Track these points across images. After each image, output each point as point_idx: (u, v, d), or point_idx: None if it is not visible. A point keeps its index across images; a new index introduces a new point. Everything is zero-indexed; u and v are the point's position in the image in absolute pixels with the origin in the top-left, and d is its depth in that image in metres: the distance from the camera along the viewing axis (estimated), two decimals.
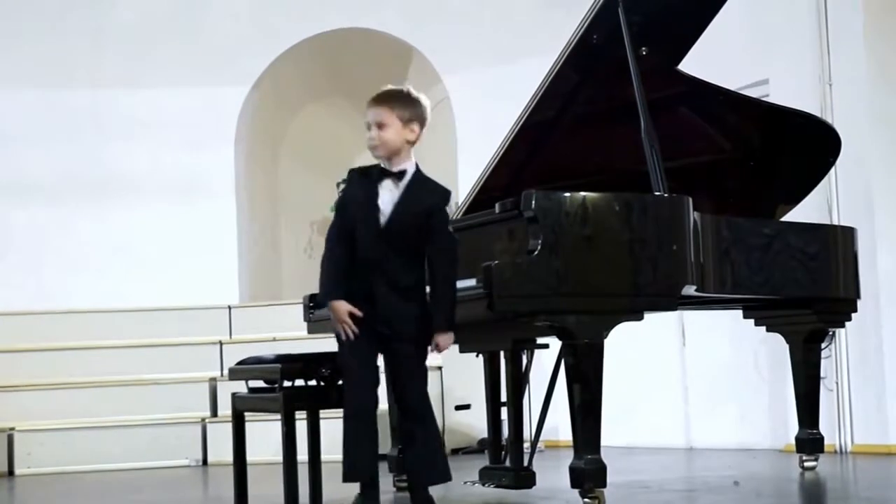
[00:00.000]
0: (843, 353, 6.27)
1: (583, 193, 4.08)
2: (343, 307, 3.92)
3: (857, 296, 5.34)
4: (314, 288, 4.36)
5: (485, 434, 5.13)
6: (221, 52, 8.71)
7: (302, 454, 4.19)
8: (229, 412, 4.58)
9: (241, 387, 4.57)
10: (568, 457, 4.12)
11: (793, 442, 5.53)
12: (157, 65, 8.68)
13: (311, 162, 9.58)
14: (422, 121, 4.02)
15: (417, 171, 4.03)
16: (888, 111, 6.30)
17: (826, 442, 5.49)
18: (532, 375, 4.78)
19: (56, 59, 8.59)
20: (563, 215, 4.02)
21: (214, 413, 7.57)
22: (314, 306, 5.13)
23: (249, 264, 8.98)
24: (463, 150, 8.44)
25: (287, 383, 4.25)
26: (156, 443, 7.30)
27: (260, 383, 4.43)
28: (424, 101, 4.06)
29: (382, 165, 4.03)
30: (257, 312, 8.25)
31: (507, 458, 4.78)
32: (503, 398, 4.81)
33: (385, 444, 4.77)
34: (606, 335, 4.08)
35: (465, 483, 4.84)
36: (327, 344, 4.29)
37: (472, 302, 3.99)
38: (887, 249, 6.19)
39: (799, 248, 4.93)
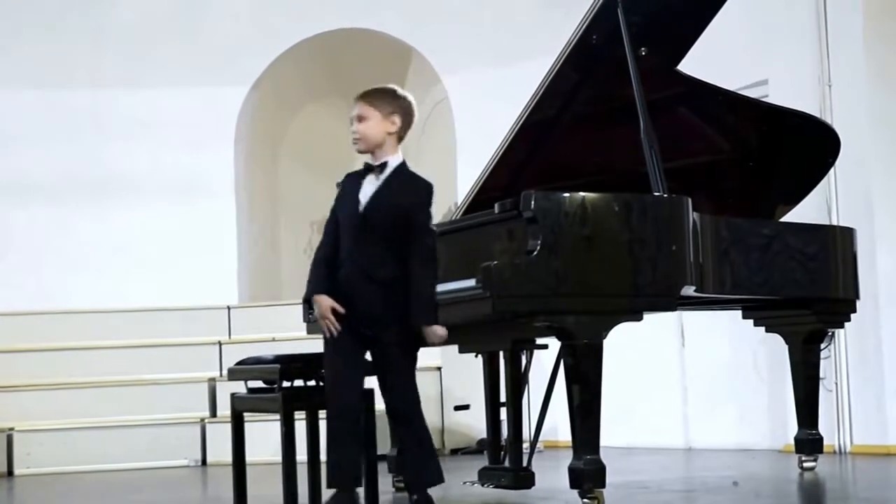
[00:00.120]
0: (843, 354, 6.28)
1: (582, 194, 4.08)
2: (326, 302, 3.96)
3: (857, 296, 5.34)
4: None
5: (484, 434, 5.13)
6: (221, 52, 8.72)
7: (301, 454, 4.18)
8: (228, 412, 4.58)
9: (240, 387, 4.56)
10: (567, 457, 4.13)
11: (792, 442, 5.53)
12: (157, 65, 8.69)
13: (310, 162, 9.58)
14: (404, 113, 4.05)
15: (402, 165, 4.05)
16: (887, 112, 6.30)
17: (825, 442, 5.49)
18: (531, 376, 4.78)
19: (56, 59, 8.60)
20: (563, 216, 4.02)
21: (214, 413, 7.57)
22: (311, 306, 5.11)
23: (249, 264, 8.99)
24: (462, 150, 8.44)
25: (286, 384, 4.25)
26: (155, 443, 7.31)
27: (259, 383, 4.43)
28: (407, 95, 4.10)
29: (368, 162, 4.07)
30: (257, 313, 8.26)
31: (506, 459, 4.77)
32: (502, 398, 4.81)
33: (384, 445, 4.77)
34: (605, 335, 4.08)
35: (465, 483, 4.84)
36: None
37: (472, 302, 3.99)
38: (886, 250, 6.19)
39: (798, 248, 4.93)
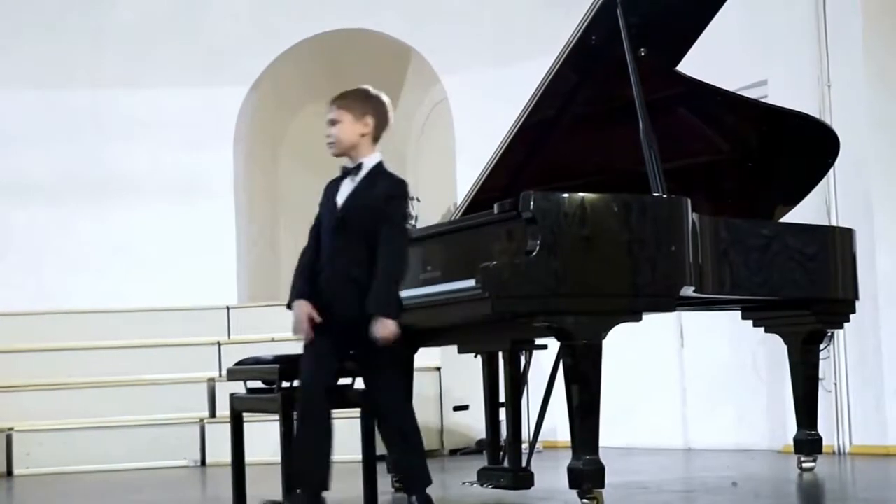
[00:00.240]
0: (842, 354, 6.28)
1: (581, 194, 4.08)
2: (303, 310, 3.99)
3: (856, 297, 5.34)
4: None
5: (483, 435, 5.13)
6: (221, 52, 8.72)
7: None
8: (228, 412, 4.59)
9: (239, 387, 4.57)
10: (566, 457, 4.13)
11: (791, 443, 5.54)
12: (157, 65, 8.69)
13: (310, 162, 9.53)
14: (377, 113, 4.07)
15: (378, 165, 4.07)
16: (887, 113, 6.30)
17: (824, 443, 5.49)
18: (530, 376, 4.78)
19: (56, 59, 8.60)
20: (562, 216, 4.02)
21: (213, 413, 7.57)
22: None
23: (248, 265, 8.99)
24: (462, 150, 8.44)
25: (285, 384, 4.25)
26: (155, 443, 7.31)
27: (258, 384, 4.44)
28: (380, 95, 4.11)
29: (344, 165, 4.11)
30: (256, 313, 8.24)
31: (505, 459, 4.77)
32: (501, 399, 4.81)
33: (384, 445, 4.76)
34: (605, 336, 4.08)
35: (464, 483, 4.84)
36: None
37: (471, 302, 4.00)
38: (886, 251, 6.19)
39: (797, 249, 4.94)
